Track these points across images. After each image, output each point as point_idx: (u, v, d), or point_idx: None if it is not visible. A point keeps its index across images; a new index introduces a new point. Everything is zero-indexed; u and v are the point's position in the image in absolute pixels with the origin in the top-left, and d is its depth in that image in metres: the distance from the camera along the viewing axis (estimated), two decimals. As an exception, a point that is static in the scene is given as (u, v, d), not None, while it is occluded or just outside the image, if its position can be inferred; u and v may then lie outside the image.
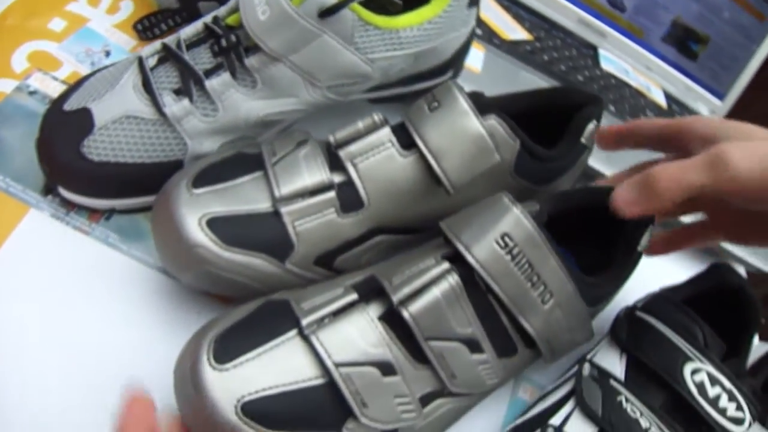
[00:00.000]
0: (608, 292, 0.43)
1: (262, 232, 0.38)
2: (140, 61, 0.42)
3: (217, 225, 0.37)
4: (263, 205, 0.38)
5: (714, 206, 0.46)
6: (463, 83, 0.52)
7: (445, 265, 0.35)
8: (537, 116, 0.45)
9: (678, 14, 0.81)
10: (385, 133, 0.39)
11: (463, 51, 0.49)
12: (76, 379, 0.38)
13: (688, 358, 0.40)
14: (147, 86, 0.41)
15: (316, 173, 0.38)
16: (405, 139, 0.39)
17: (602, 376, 0.41)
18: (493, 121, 0.39)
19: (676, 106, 0.81)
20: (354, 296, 0.35)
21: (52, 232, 0.43)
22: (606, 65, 0.76)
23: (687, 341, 0.40)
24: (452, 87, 0.40)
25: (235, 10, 0.42)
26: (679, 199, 0.36)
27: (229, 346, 0.33)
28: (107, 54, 0.52)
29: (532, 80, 0.62)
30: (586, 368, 0.43)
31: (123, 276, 0.42)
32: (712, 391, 0.38)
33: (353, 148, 0.39)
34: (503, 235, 0.36)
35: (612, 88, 0.72)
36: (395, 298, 0.34)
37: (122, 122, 0.41)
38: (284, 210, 0.38)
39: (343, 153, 0.39)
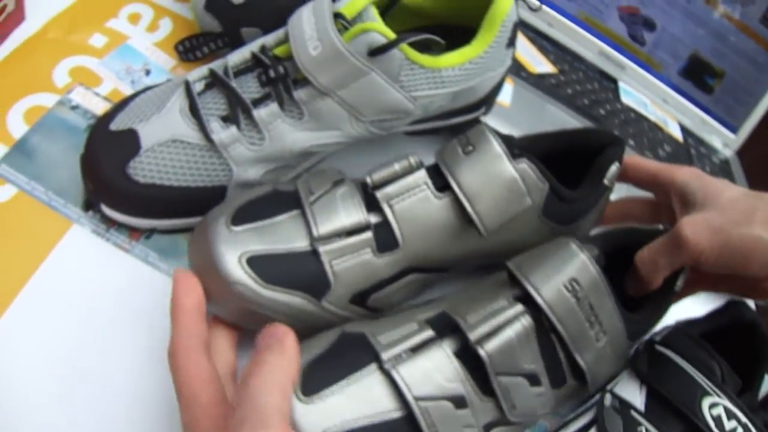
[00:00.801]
0: (647, 328, 0.46)
1: (300, 271, 0.39)
2: (187, 86, 0.44)
3: (256, 263, 0.38)
4: (301, 243, 0.39)
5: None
6: (494, 117, 0.54)
7: (519, 307, 0.38)
8: (561, 156, 0.47)
9: (695, 48, 0.83)
10: (421, 175, 0.41)
11: (497, 89, 0.51)
12: (115, 395, 0.40)
13: (706, 393, 0.42)
14: (194, 111, 0.43)
15: (353, 213, 0.39)
16: (440, 182, 0.41)
17: (623, 406, 0.43)
18: (524, 164, 0.41)
19: (691, 139, 0.83)
20: (430, 332, 0.37)
21: (92, 248, 0.44)
22: (626, 99, 0.78)
23: (705, 376, 0.43)
24: (485, 131, 0.42)
25: (284, 41, 0.44)
26: (663, 277, 0.43)
27: (315, 378, 0.35)
28: (147, 73, 0.53)
29: (557, 114, 0.64)
30: (608, 398, 0.44)
31: (162, 295, 0.44)
32: (729, 424, 0.40)
33: (390, 189, 0.40)
34: (571, 280, 0.38)
35: (632, 123, 0.74)
36: (472, 336, 0.36)
37: (169, 146, 0.43)
38: (322, 249, 0.39)
39: (379, 194, 0.40)
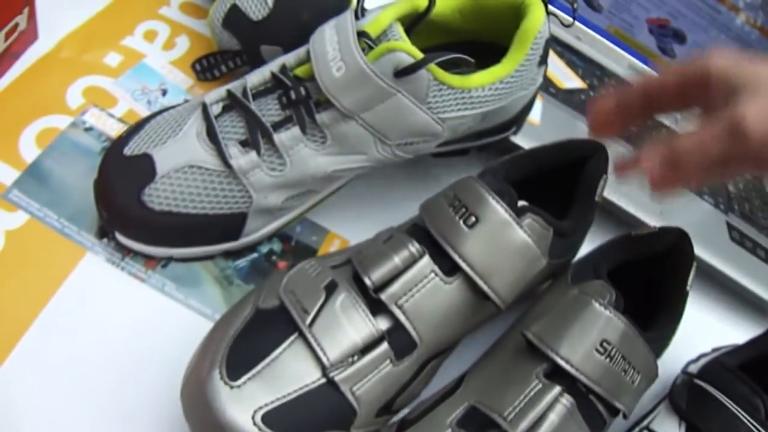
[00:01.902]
0: (666, 342, 0.46)
1: (322, 409, 0.35)
2: (204, 108, 0.43)
3: (272, 418, 0.34)
4: (313, 377, 0.35)
5: None
6: (523, 136, 0.53)
7: (556, 389, 0.36)
8: (541, 176, 0.47)
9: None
10: (426, 263, 0.38)
11: (528, 108, 0.49)
12: (129, 426, 0.39)
13: (750, 431, 0.40)
14: (212, 135, 0.42)
15: (361, 326, 0.36)
16: (447, 264, 0.38)
17: (662, 444, 0.42)
18: (529, 219, 0.39)
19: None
20: None
21: (107, 277, 0.44)
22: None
23: (748, 413, 0.42)
24: (483, 194, 0.39)
25: (305, 60, 0.42)
26: (705, 177, 0.36)
27: None
28: (164, 93, 0.52)
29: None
30: (647, 436, 0.43)
31: (178, 326, 0.43)
32: (774, 464, 0.39)
33: (395, 288, 0.37)
34: (601, 342, 0.37)
35: (661, 137, 0.72)
36: None
37: (185, 171, 0.42)
38: (339, 378, 0.35)
39: (385, 296, 0.37)
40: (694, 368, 0.47)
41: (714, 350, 0.50)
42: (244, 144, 0.42)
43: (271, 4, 0.49)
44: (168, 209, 0.42)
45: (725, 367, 0.45)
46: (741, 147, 0.34)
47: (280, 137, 0.41)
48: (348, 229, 0.50)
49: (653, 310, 0.48)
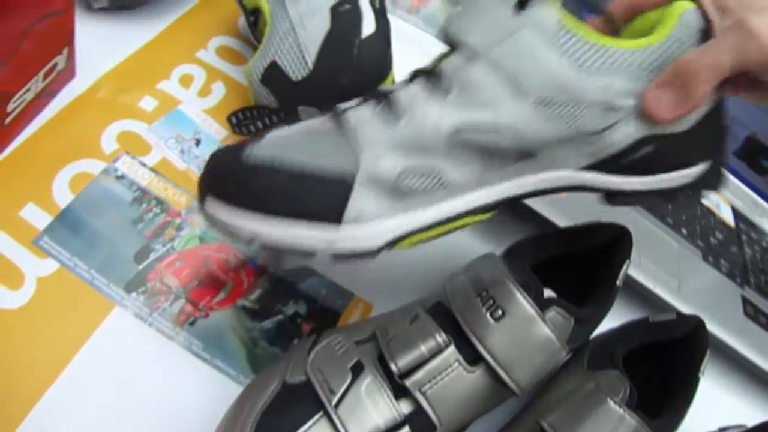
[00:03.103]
0: (674, 429, 0.47)
1: None
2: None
3: None
4: None
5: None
6: (547, 206, 0.54)
7: None
8: (565, 257, 0.48)
9: (754, 131, 0.83)
10: (451, 352, 0.40)
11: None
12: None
13: None
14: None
15: (385, 411, 0.38)
16: (470, 353, 0.40)
17: None
18: (553, 312, 0.41)
19: (743, 224, 0.83)
20: None
21: (134, 333, 0.45)
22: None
23: None
24: (512, 289, 0.41)
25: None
26: (713, 92, 0.37)
27: None
28: (197, 143, 0.54)
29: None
30: None
31: (204, 386, 0.44)
32: None
33: (419, 375, 0.39)
34: None
35: (684, 207, 0.74)
36: None
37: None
38: None
39: (409, 383, 0.39)
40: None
41: (721, 430, 0.52)
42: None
43: (311, 65, 0.50)
44: (267, 164, 0.37)
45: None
46: (752, 55, 0.35)
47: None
48: (372, 294, 0.51)
49: (665, 392, 0.49)
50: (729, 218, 0.81)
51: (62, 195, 0.49)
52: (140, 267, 0.47)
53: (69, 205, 0.48)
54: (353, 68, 0.51)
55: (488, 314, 0.40)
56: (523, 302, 0.40)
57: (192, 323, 0.46)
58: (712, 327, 0.56)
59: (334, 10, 0.52)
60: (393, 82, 0.42)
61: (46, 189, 0.48)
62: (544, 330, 0.41)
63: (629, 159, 0.41)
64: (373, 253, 0.39)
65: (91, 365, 0.43)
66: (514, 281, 0.41)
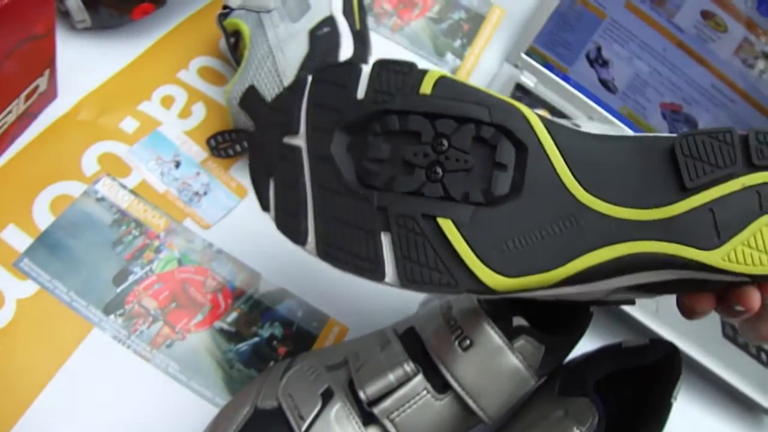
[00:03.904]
0: None
1: None
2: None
3: None
4: None
5: None
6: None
7: None
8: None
9: None
10: (419, 381, 0.41)
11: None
12: None
13: None
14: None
15: None
16: (438, 381, 0.41)
17: None
18: (522, 341, 0.43)
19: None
20: None
21: (112, 354, 0.47)
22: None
23: None
24: (480, 319, 0.42)
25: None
26: None
27: None
28: (177, 165, 0.55)
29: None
30: None
31: (180, 408, 0.46)
32: None
33: (388, 403, 0.40)
34: None
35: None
36: None
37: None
38: None
39: (377, 410, 0.40)
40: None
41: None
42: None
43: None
44: None
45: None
46: None
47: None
48: (347, 316, 0.53)
49: (638, 418, 0.51)
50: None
51: (42, 217, 0.50)
52: (119, 289, 0.49)
53: (49, 227, 0.50)
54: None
55: (457, 343, 0.42)
56: (490, 332, 0.42)
57: (169, 345, 0.48)
58: (690, 349, 0.58)
59: (313, 34, 0.54)
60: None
61: (27, 211, 0.50)
62: (511, 360, 0.42)
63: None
64: None
65: (69, 387, 0.45)
66: (482, 310, 0.42)
